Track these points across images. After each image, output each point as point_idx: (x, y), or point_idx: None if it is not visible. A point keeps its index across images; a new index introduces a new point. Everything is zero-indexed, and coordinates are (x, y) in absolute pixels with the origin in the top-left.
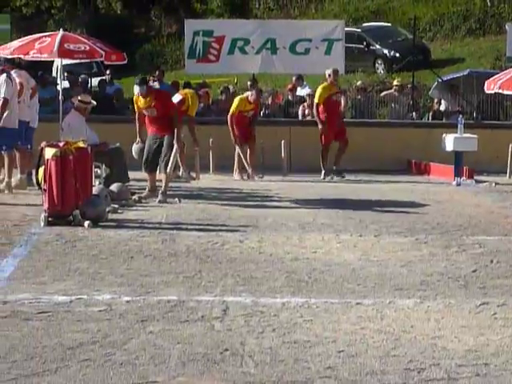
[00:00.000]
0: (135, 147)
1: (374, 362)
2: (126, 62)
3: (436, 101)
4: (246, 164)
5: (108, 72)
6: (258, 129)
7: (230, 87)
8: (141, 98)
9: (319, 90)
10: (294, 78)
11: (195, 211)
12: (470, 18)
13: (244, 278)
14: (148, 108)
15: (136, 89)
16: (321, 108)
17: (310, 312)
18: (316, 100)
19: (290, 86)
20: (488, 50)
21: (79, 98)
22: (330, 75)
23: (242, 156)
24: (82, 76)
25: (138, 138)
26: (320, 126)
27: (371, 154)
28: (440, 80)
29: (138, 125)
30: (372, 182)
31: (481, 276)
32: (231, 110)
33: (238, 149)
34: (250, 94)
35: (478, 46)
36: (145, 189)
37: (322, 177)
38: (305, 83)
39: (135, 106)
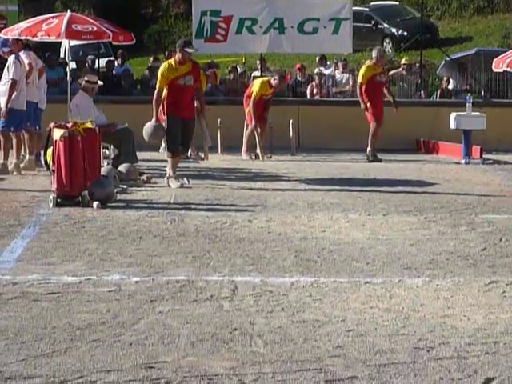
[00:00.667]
0: (152, 126)
1: (383, 340)
2: (133, 42)
3: (445, 79)
4: (259, 144)
5: (120, 52)
6: None
7: (238, 67)
8: (178, 64)
9: (363, 70)
10: (317, 58)
11: (204, 191)
12: None
13: (253, 258)
14: (186, 75)
15: (178, 54)
16: (363, 88)
17: (318, 291)
18: (359, 79)
19: (298, 66)
20: (496, 28)
21: (86, 78)
22: (375, 55)
23: (256, 136)
24: (90, 57)
25: (155, 118)
26: (362, 106)
27: (379, 132)
28: (448, 58)
29: (158, 102)
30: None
31: (490, 254)
32: (254, 95)
33: (250, 128)
34: (272, 79)
35: (486, 25)
36: (153, 169)
37: (370, 158)
38: (328, 63)
39: (163, 78)
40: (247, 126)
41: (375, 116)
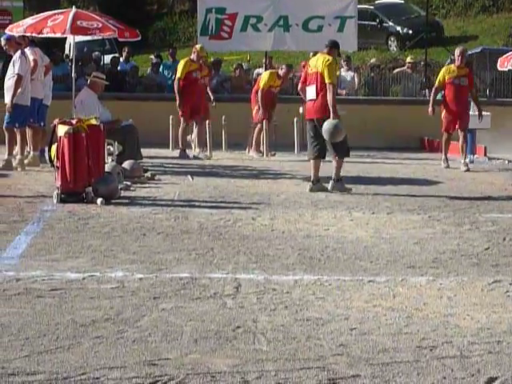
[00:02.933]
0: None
1: (386, 339)
2: (139, 38)
3: None
4: (265, 141)
5: (126, 49)
6: None
7: (244, 64)
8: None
9: (441, 72)
10: (343, 62)
11: (207, 188)
12: None
13: (256, 256)
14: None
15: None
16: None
17: (322, 289)
18: (436, 83)
19: (303, 64)
20: (501, 27)
21: (94, 74)
22: (457, 56)
23: (264, 132)
24: (95, 53)
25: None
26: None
27: (384, 131)
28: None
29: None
30: (385, 159)
31: (493, 254)
32: (261, 85)
33: (262, 125)
34: (280, 68)
35: (491, 23)
36: (158, 166)
37: (445, 164)
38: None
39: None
40: (255, 123)
41: (446, 122)
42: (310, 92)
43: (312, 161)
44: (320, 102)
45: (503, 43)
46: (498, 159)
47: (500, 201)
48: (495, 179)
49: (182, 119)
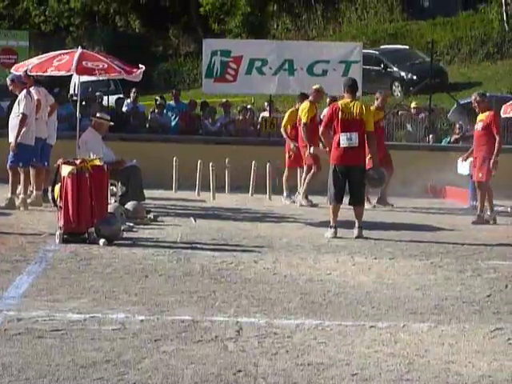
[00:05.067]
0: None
1: None
2: (143, 69)
3: (458, 126)
4: (307, 186)
5: (134, 90)
6: (272, 149)
7: (249, 107)
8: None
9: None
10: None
11: (210, 231)
12: (487, 42)
13: (258, 299)
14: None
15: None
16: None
17: (323, 334)
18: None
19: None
20: (505, 74)
21: (98, 114)
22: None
23: (308, 177)
24: (98, 93)
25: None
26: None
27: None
28: (459, 103)
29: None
30: (387, 205)
31: (495, 301)
32: (304, 120)
33: (313, 170)
34: (311, 97)
35: (495, 70)
36: (161, 207)
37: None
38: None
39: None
40: (309, 168)
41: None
42: (350, 138)
43: (334, 205)
44: (362, 149)
45: (507, 90)
46: (500, 206)
47: (502, 248)
48: (497, 226)
49: (313, 167)
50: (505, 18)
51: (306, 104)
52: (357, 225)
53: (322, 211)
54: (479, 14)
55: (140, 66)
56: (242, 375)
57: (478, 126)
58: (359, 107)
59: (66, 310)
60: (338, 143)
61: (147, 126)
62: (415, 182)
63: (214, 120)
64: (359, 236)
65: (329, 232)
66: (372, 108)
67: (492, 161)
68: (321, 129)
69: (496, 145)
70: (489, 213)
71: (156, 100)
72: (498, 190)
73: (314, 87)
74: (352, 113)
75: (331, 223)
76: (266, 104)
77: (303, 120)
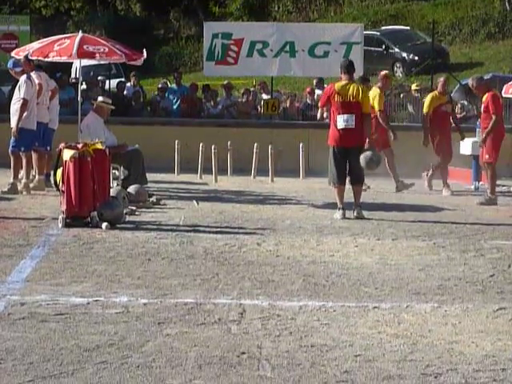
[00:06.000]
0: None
1: (390, 366)
2: (144, 57)
3: (459, 106)
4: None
5: (133, 74)
6: (276, 131)
7: (251, 89)
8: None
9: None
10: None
11: (213, 213)
12: (488, 22)
13: (261, 281)
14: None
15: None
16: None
17: (327, 316)
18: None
19: (308, 89)
20: (507, 53)
21: (100, 98)
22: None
23: (443, 168)
24: (100, 77)
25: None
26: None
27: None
28: (461, 84)
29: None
30: (390, 185)
31: (498, 281)
32: (425, 110)
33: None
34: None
35: (497, 50)
36: (163, 190)
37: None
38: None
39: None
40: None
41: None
42: (347, 120)
43: (338, 187)
44: (360, 130)
45: (509, 70)
46: (503, 186)
47: (505, 228)
48: (500, 206)
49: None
50: None
51: (375, 91)
52: (356, 203)
53: (323, 192)
54: None
55: (143, 51)
56: (246, 357)
57: (482, 108)
58: (356, 89)
59: (69, 293)
60: (336, 125)
61: (149, 109)
62: (418, 162)
63: (216, 103)
64: (359, 215)
65: (337, 213)
66: (375, 90)
67: (481, 138)
68: (319, 112)
69: (490, 123)
70: (490, 194)
71: (159, 84)
72: (502, 170)
73: (383, 73)
74: (348, 95)
75: (339, 205)
76: (258, 87)
77: (378, 107)
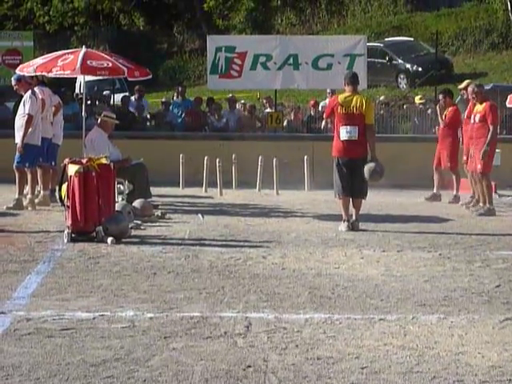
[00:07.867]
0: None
1: (397, 378)
2: (150, 76)
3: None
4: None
5: (137, 88)
6: (279, 144)
7: (260, 100)
8: None
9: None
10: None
11: (218, 227)
12: (492, 33)
13: (267, 294)
14: None
15: None
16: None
17: (332, 328)
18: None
19: (312, 102)
20: (511, 64)
21: (104, 113)
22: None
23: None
24: (105, 92)
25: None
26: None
27: (394, 169)
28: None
29: None
30: (395, 197)
31: (504, 291)
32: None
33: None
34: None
35: (501, 60)
36: (168, 204)
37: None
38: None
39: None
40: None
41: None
42: (350, 132)
43: (343, 198)
44: (363, 142)
45: None
46: (508, 196)
47: (510, 238)
48: (505, 216)
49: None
50: (509, 8)
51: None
52: (354, 217)
53: (328, 205)
54: (483, 4)
55: (147, 70)
56: (252, 371)
57: (476, 117)
58: (359, 101)
59: (75, 308)
60: (339, 136)
61: (153, 123)
62: (421, 173)
63: (220, 116)
64: (353, 225)
65: (343, 225)
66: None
67: (483, 150)
68: (324, 122)
69: (489, 135)
70: (481, 204)
71: (163, 99)
72: (505, 181)
73: (470, 87)
74: (351, 106)
75: (344, 217)
76: (264, 101)
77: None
